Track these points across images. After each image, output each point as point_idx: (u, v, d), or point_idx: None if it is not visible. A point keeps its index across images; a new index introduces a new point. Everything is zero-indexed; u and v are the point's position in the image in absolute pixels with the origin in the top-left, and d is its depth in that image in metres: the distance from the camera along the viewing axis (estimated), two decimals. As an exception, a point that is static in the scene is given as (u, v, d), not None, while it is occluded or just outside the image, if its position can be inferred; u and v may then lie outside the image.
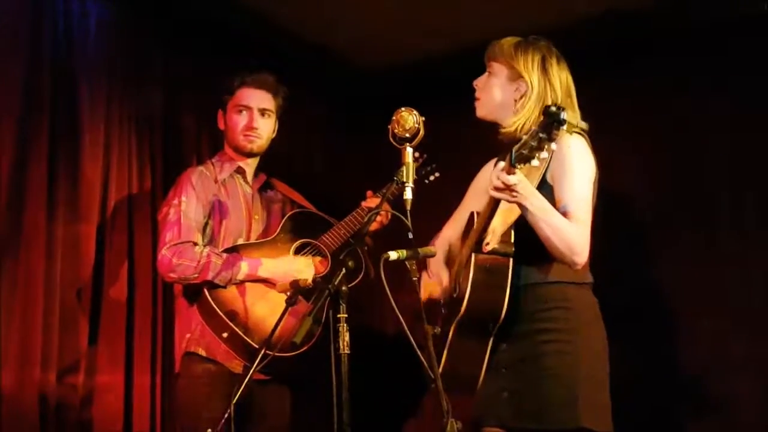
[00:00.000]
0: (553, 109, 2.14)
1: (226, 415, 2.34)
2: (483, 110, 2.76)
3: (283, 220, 3.19)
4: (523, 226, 2.52)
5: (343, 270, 2.43)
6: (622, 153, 3.99)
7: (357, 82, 4.55)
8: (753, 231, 3.73)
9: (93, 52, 3.38)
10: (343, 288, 2.41)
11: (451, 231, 2.94)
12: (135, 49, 3.57)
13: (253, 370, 2.40)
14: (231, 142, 3.21)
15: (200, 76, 3.78)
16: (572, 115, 2.59)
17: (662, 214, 3.94)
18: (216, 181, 3.15)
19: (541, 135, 2.17)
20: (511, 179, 2.33)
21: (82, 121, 3.30)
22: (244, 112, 3.17)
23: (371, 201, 3.26)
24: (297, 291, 2.91)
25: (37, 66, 3.17)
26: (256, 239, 3.15)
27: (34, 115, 3.13)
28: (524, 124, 2.61)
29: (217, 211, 3.11)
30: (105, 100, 3.40)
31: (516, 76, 2.69)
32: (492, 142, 2.77)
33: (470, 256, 2.58)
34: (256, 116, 3.18)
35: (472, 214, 2.71)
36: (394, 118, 2.59)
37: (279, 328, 2.54)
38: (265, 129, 3.21)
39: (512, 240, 2.54)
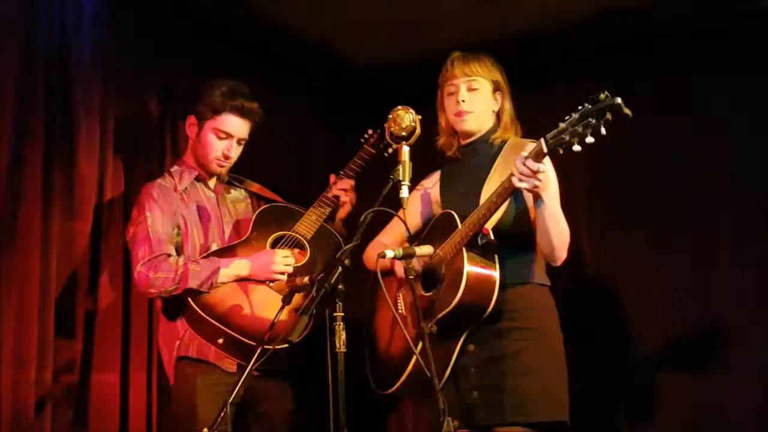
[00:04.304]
0: (604, 95, 2.24)
1: (222, 414, 2.33)
2: (475, 124, 2.88)
3: (253, 218, 3.13)
4: (503, 226, 2.65)
5: (339, 268, 2.43)
6: (620, 152, 3.99)
7: (356, 81, 4.55)
8: (753, 231, 3.73)
9: (89, 50, 3.36)
10: (339, 286, 2.41)
11: (389, 237, 3.01)
12: (131, 47, 3.55)
13: (250, 369, 2.38)
14: (200, 159, 3.14)
15: (197, 76, 3.76)
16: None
17: (660, 214, 3.94)
18: (176, 191, 3.09)
19: (590, 120, 2.22)
20: (540, 166, 2.40)
21: (78, 119, 3.28)
22: (225, 139, 3.09)
23: (340, 184, 3.23)
24: (294, 290, 2.90)
25: (32, 64, 3.15)
26: (230, 242, 3.09)
27: (30, 113, 3.11)
28: (504, 131, 2.86)
29: (197, 218, 3.07)
30: (101, 98, 3.38)
31: (495, 89, 2.88)
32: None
33: (461, 251, 2.61)
34: (233, 146, 3.11)
35: (448, 214, 2.75)
36: (390, 116, 2.64)
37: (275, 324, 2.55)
38: (236, 155, 3.16)
39: (492, 236, 2.63)
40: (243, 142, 3.15)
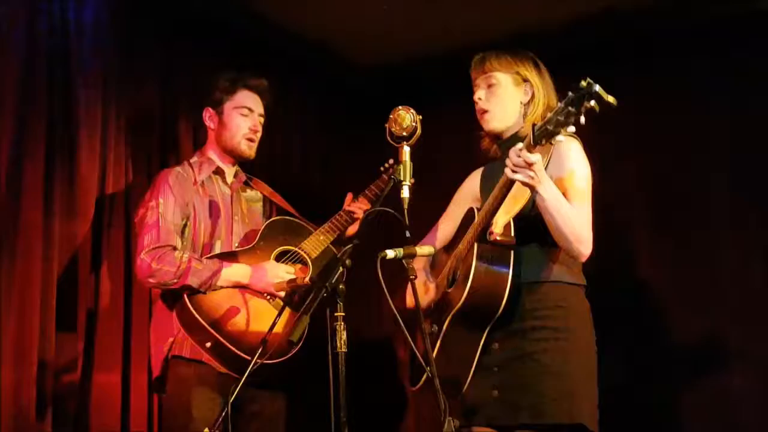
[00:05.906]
0: (585, 82, 2.16)
1: (222, 415, 2.33)
2: (496, 122, 2.77)
3: (262, 228, 3.10)
4: (524, 221, 2.55)
5: (341, 268, 2.43)
6: (621, 153, 4.00)
7: (356, 81, 4.55)
8: (752, 230, 3.74)
9: (90, 50, 3.37)
10: (341, 286, 2.41)
11: (434, 240, 2.93)
12: (132, 47, 3.56)
13: (246, 376, 2.36)
14: (227, 143, 3.13)
15: (198, 75, 3.77)
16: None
17: (660, 214, 3.94)
18: (195, 183, 3.07)
19: (570, 108, 2.19)
20: (532, 157, 2.35)
21: (79, 119, 3.29)
22: (249, 116, 3.12)
23: (355, 205, 3.22)
24: (294, 291, 2.91)
25: (33, 65, 3.16)
26: (238, 246, 3.07)
27: (31, 114, 3.12)
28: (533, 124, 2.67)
29: (207, 213, 3.06)
30: (102, 98, 3.39)
31: (520, 81, 2.75)
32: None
33: (472, 247, 2.57)
34: (258, 121, 3.15)
35: (470, 210, 2.72)
36: (391, 116, 2.60)
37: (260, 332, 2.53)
38: (260, 135, 3.18)
39: (512, 233, 2.55)
40: (262, 120, 3.17)
